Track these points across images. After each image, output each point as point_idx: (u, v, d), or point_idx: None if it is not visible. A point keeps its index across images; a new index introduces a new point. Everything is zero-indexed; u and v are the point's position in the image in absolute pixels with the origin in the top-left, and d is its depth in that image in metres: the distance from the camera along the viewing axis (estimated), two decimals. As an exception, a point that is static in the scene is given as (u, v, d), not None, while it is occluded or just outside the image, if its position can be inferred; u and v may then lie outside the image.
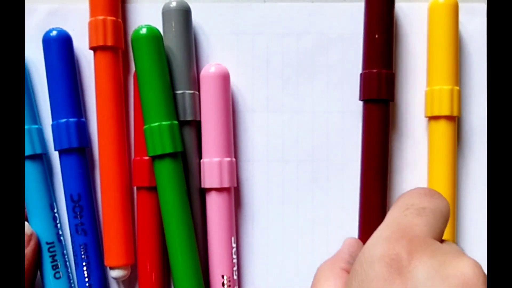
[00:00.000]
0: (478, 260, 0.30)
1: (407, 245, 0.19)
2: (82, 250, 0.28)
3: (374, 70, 0.28)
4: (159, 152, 0.27)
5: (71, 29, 0.30)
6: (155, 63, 0.27)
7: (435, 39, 0.29)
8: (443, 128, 0.29)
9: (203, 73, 0.29)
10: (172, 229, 0.27)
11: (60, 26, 0.29)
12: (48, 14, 0.30)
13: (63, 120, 0.28)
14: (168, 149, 0.27)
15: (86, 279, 0.28)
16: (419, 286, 0.18)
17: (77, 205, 0.28)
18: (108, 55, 0.28)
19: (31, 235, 0.28)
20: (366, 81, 0.28)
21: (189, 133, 0.28)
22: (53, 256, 0.28)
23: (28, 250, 0.27)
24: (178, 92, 0.28)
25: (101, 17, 0.28)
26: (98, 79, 0.29)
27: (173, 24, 0.28)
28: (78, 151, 0.28)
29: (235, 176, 0.29)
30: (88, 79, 0.30)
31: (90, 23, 0.28)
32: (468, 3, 0.30)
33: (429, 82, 0.29)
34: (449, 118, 0.29)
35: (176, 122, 0.27)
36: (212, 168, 0.28)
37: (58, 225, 0.29)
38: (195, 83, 0.29)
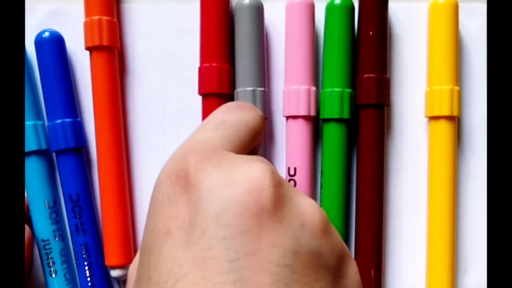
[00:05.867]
0: (478, 261, 0.31)
1: (193, 159, 0.18)
2: (83, 250, 0.28)
3: (372, 75, 0.28)
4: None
5: (71, 29, 0.30)
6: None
7: (435, 39, 0.29)
8: (443, 128, 0.29)
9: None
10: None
11: (60, 26, 0.30)
12: (48, 14, 0.30)
13: (59, 121, 0.28)
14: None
15: (88, 279, 0.29)
16: (203, 198, 0.17)
17: (76, 205, 0.28)
18: (104, 55, 0.29)
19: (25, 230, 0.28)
20: (364, 86, 0.28)
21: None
22: (48, 254, 0.28)
23: None
24: (249, 89, 0.28)
25: (96, 17, 0.28)
26: (94, 79, 0.29)
27: (245, 21, 0.28)
28: (75, 151, 0.29)
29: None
30: (88, 79, 0.30)
31: (85, 24, 0.29)
32: (468, 3, 0.30)
33: (429, 82, 0.29)
34: (449, 118, 0.29)
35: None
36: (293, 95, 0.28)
37: (56, 223, 0.29)
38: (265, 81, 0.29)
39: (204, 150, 0.18)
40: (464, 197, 0.30)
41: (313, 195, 0.29)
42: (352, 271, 0.18)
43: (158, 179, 0.18)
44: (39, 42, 0.28)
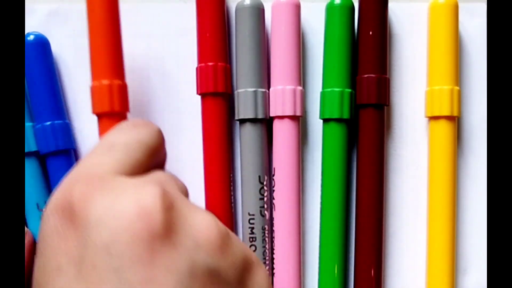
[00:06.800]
0: (478, 261, 0.31)
1: (81, 188, 0.17)
2: None
3: (372, 75, 0.28)
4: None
5: (71, 30, 0.30)
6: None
7: (435, 39, 0.29)
8: (443, 128, 0.29)
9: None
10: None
11: (60, 27, 0.30)
12: (48, 14, 0.30)
13: (47, 123, 0.28)
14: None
15: None
16: (90, 230, 0.16)
17: None
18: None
19: (25, 233, 0.28)
20: (364, 86, 0.28)
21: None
22: None
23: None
24: (250, 89, 0.28)
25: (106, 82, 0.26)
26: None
27: (246, 22, 0.28)
28: (63, 153, 0.28)
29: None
30: (85, 79, 0.30)
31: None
32: (468, 3, 0.30)
33: (429, 82, 0.29)
34: (449, 118, 0.29)
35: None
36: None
37: None
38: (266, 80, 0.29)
39: (91, 177, 0.17)
40: (464, 197, 0.30)
41: (296, 196, 0.29)
42: (259, 277, 0.18)
43: (45, 212, 0.17)
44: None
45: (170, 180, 0.19)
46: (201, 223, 0.17)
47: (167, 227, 0.16)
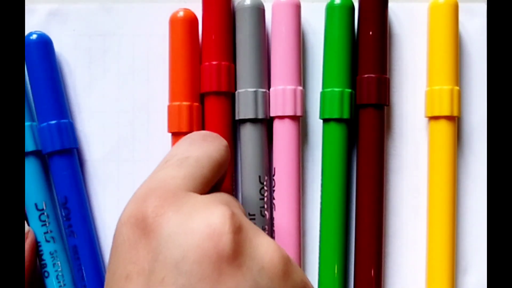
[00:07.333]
0: (478, 261, 0.31)
1: (153, 202, 0.18)
2: (74, 251, 0.28)
3: (372, 75, 0.28)
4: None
5: (71, 29, 0.30)
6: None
7: (435, 39, 0.29)
8: (443, 128, 0.29)
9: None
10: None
11: (60, 27, 0.30)
12: (48, 14, 0.30)
13: (52, 122, 0.28)
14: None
15: (82, 280, 0.28)
16: (162, 244, 0.17)
17: (64, 207, 0.28)
18: None
19: (27, 232, 0.28)
20: (364, 86, 0.28)
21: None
22: (40, 255, 0.28)
23: (25, 246, 0.27)
24: (250, 90, 0.28)
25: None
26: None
27: (246, 22, 0.28)
28: (64, 153, 0.28)
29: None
30: (84, 80, 0.30)
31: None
32: (468, 3, 0.30)
33: (429, 82, 0.29)
34: (449, 118, 0.29)
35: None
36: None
37: (47, 225, 0.28)
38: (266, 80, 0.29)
39: (165, 192, 0.18)
40: (464, 197, 0.30)
41: (296, 196, 0.29)
42: None
43: (119, 220, 0.18)
44: (27, 44, 0.28)
45: (233, 201, 0.20)
46: (265, 246, 0.18)
47: (235, 249, 0.17)
